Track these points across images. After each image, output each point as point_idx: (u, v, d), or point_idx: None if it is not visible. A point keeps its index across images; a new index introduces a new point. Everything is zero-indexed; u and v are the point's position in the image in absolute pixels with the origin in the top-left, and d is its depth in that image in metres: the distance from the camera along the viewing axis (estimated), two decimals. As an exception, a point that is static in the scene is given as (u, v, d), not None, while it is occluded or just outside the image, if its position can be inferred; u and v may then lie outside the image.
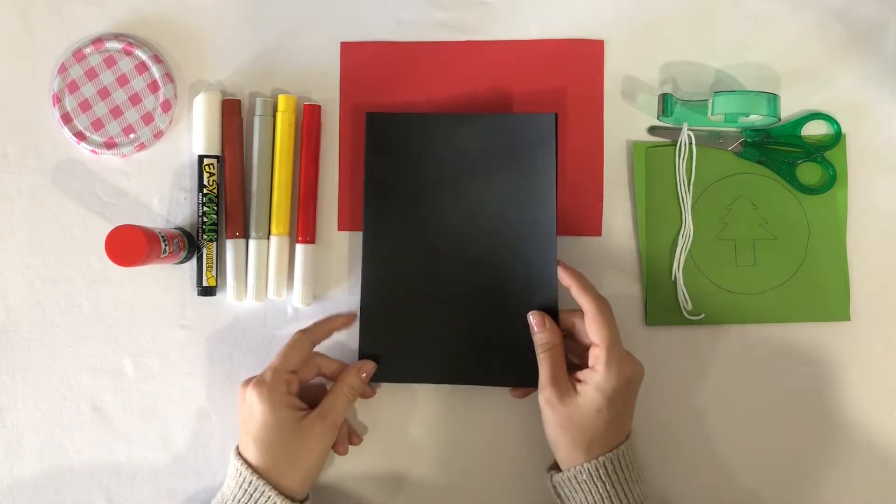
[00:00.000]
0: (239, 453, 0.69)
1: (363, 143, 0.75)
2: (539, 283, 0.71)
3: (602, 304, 0.68)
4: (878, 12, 0.76)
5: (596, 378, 0.67)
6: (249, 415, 0.68)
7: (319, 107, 0.75)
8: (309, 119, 0.75)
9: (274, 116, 0.75)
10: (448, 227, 0.73)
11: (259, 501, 0.67)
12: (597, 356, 0.67)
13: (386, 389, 0.75)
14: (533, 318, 0.70)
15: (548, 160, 0.71)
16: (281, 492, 0.67)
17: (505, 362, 0.72)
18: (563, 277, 0.70)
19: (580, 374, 0.68)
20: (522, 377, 0.71)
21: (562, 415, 0.67)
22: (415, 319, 0.73)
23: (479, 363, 0.72)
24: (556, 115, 0.72)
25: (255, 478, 0.67)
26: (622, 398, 0.67)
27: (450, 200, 0.73)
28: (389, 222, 0.73)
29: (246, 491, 0.67)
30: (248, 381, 0.69)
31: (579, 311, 0.69)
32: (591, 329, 0.68)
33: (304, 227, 0.75)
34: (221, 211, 0.76)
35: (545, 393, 0.68)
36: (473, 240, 0.72)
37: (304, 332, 0.71)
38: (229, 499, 0.67)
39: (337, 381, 0.71)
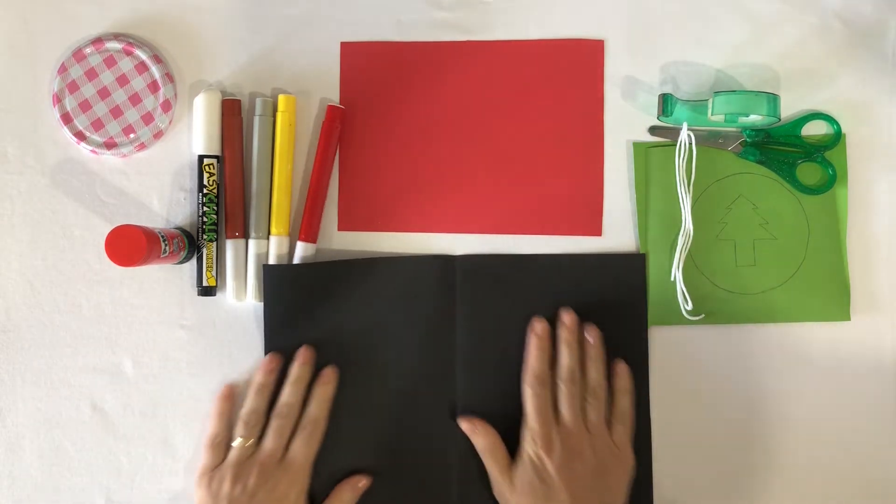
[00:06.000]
0: None
1: (362, 143, 0.75)
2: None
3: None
4: (878, 12, 0.76)
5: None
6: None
7: (343, 109, 0.75)
8: (330, 120, 0.75)
9: (274, 116, 0.75)
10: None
11: None
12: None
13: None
14: (464, 426, 0.72)
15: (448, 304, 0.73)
16: None
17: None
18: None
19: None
20: None
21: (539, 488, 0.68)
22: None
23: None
24: (455, 258, 0.73)
25: None
26: None
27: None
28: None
29: None
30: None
31: None
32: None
33: (307, 228, 0.74)
34: (221, 211, 0.76)
35: (499, 485, 0.70)
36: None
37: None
38: None
39: (331, 497, 0.71)
